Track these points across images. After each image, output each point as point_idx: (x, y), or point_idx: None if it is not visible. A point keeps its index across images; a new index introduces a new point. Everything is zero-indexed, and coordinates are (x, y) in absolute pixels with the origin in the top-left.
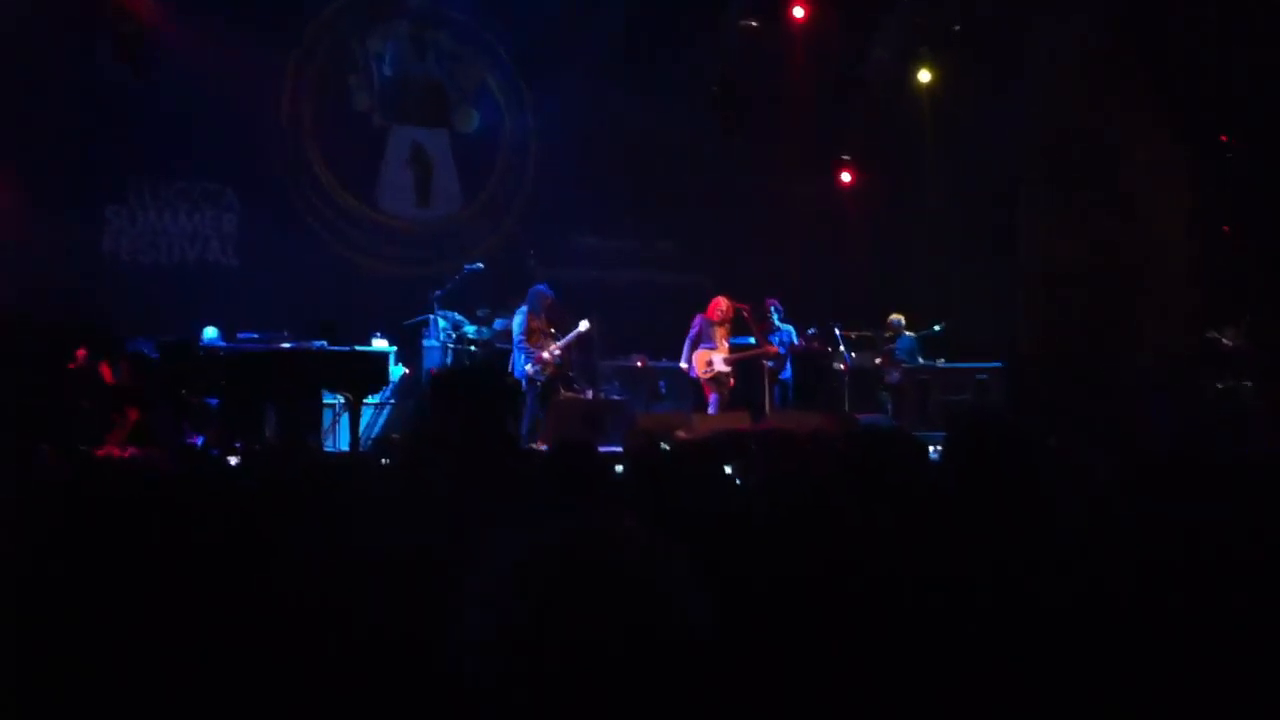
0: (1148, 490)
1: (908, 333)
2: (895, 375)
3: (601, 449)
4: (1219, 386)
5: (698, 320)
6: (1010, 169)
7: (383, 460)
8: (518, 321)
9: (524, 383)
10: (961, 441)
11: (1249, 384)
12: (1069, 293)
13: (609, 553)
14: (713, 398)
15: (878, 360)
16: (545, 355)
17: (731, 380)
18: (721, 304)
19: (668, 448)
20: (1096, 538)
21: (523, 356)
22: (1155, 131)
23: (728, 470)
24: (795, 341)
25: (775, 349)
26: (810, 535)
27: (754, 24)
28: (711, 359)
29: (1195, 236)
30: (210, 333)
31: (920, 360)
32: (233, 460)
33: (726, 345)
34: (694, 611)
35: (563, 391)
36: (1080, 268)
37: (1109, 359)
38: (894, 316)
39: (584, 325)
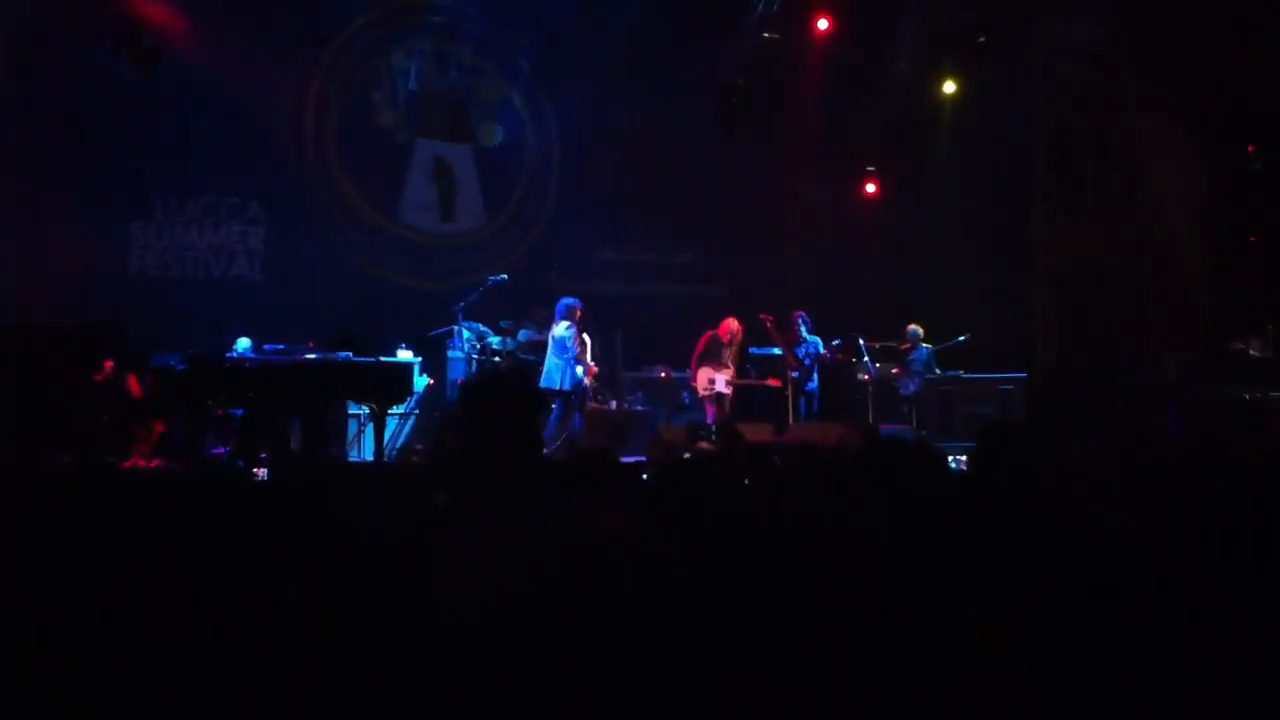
0: (1164, 492)
1: (924, 344)
2: (910, 386)
3: (625, 459)
4: (1245, 397)
5: (707, 336)
6: (1026, 175)
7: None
8: (569, 334)
9: (573, 393)
10: (989, 450)
11: (1276, 394)
12: (1086, 299)
13: (595, 537)
14: (710, 411)
15: (894, 370)
16: (595, 367)
17: (731, 391)
18: (732, 325)
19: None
20: (1113, 543)
21: (580, 368)
22: (1172, 137)
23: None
24: (821, 353)
25: (777, 381)
26: (821, 541)
27: (775, 36)
28: (714, 378)
29: (1211, 240)
30: (244, 343)
31: (937, 371)
32: (259, 471)
33: (732, 367)
34: (684, 600)
35: (587, 403)
36: (1097, 274)
37: (1126, 366)
38: (911, 327)
39: (588, 342)
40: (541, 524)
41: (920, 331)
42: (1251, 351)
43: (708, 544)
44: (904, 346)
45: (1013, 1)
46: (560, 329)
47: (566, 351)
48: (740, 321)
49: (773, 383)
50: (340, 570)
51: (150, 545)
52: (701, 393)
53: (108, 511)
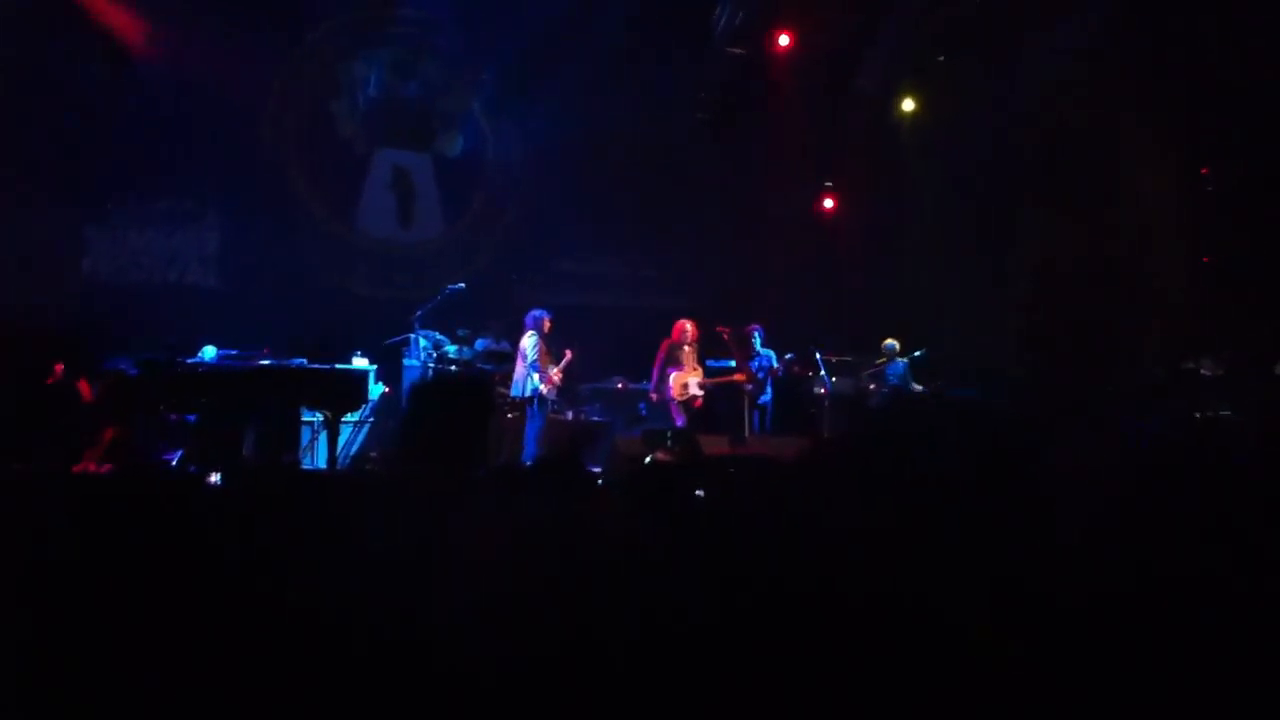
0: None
1: (900, 359)
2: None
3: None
4: (1196, 415)
5: (665, 344)
6: (999, 188)
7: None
8: (532, 344)
9: (535, 402)
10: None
11: (1228, 413)
12: (1059, 312)
13: (589, 534)
14: (680, 420)
15: (871, 386)
16: (554, 377)
17: (697, 403)
18: (684, 326)
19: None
20: (1082, 539)
21: (539, 376)
22: (1153, 151)
23: (699, 493)
24: (775, 366)
25: (745, 376)
26: (806, 539)
27: (740, 51)
28: (687, 381)
29: (1187, 257)
30: (209, 351)
31: (915, 386)
32: (212, 477)
33: (700, 368)
34: (678, 594)
35: (546, 412)
36: (1071, 288)
37: (1092, 384)
38: (887, 342)
39: (569, 354)
40: (531, 523)
41: (896, 345)
42: (1203, 371)
43: (691, 544)
44: (879, 361)
45: (993, 10)
46: (525, 339)
47: (526, 361)
48: (693, 322)
49: (738, 378)
50: (312, 571)
51: (106, 550)
52: (678, 399)
53: (66, 516)
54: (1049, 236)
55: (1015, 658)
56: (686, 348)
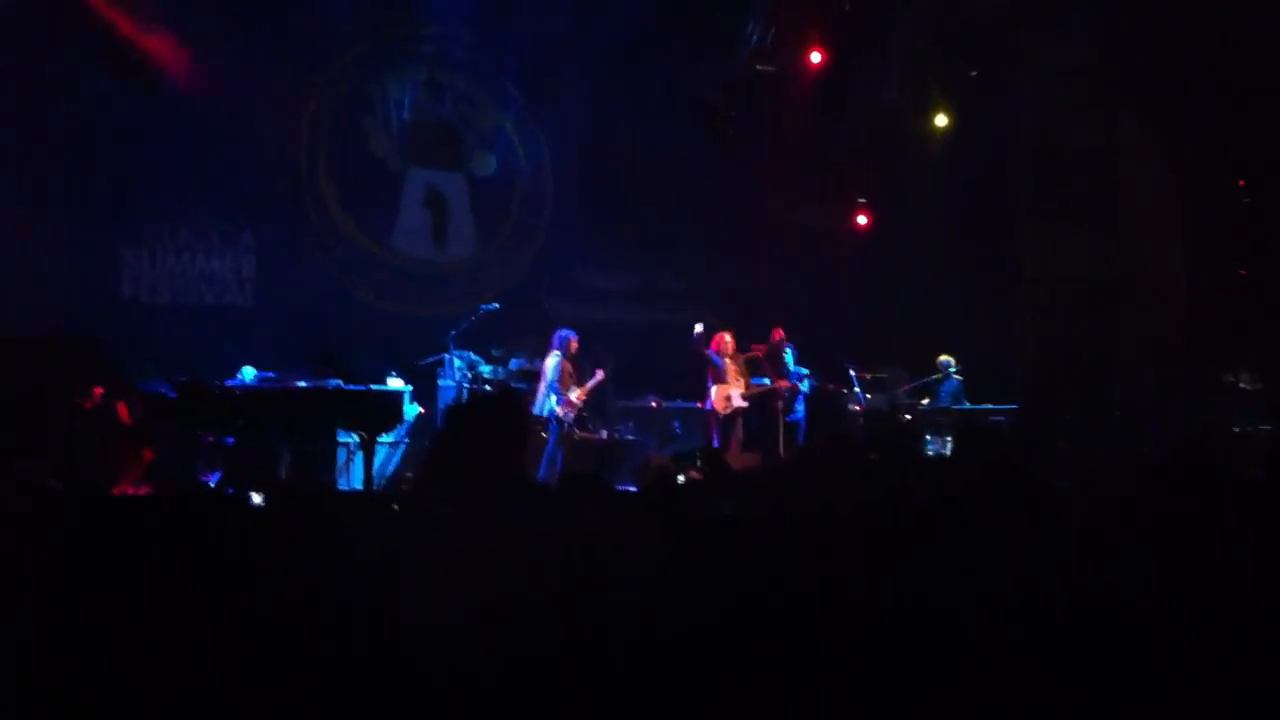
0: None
1: (956, 375)
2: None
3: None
4: (1235, 430)
5: (704, 357)
6: (1012, 198)
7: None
8: (553, 364)
9: (552, 423)
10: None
11: (1266, 427)
12: (1072, 321)
13: (582, 539)
14: (716, 438)
15: (924, 401)
16: (573, 398)
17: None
18: (724, 338)
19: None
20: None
21: (556, 398)
22: (1156, 160)
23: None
24: (795, 383)
25: (786, 383)
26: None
27: (770, 68)
28: (729, 394)
29: (1193, 264)
30: (249, 372)
31: (966, 404)
32: (255, 498)
33: (742, 381)
34: (678, 597)
35: (577, 432)
36: (1083, 296)
37: (1107, 392)
38: (943, 358)
39: (600, 375)
40: (531, 526)
41: (952, 361)
42: (1242, 385)
43: (692, 545)
44: (936, 377)
45: (998, 24)
46: (548, 359)
47: (545, 381)
48: (732, 333)
49: (780, 384)
50: (328, 586)
51: (145, 571)
52: (721, 413)
53: (99, 537)
54: (1051, 247)
55: (1015, 657)
56: (727, 359)
